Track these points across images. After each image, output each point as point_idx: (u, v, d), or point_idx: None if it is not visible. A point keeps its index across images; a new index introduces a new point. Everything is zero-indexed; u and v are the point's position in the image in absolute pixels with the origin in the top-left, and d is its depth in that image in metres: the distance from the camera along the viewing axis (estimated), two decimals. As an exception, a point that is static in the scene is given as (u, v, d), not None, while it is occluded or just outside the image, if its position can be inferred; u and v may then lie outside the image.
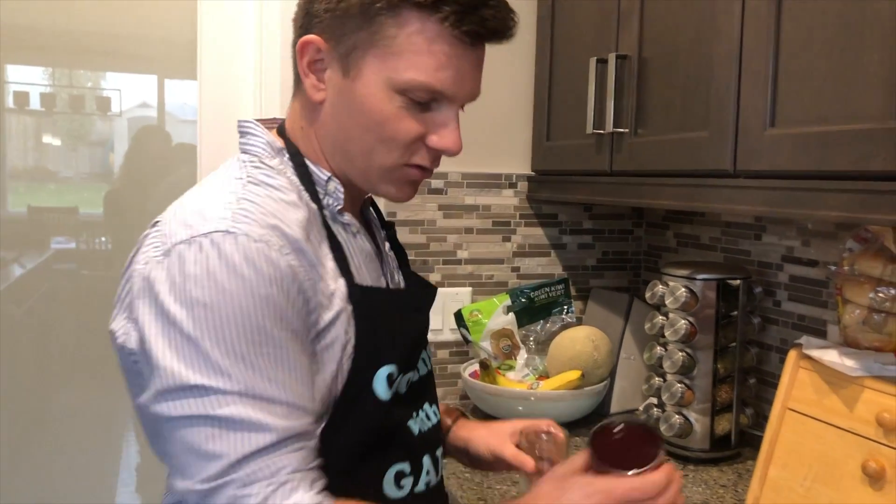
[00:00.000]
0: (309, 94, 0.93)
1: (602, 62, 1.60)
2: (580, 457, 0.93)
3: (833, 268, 1.35)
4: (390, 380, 0.91)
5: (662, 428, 1.59)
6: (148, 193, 1.87)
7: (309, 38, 0.90)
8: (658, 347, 1.64)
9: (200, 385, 0.78)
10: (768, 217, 1.70)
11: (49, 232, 1.81)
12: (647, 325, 1.65)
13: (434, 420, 1.03)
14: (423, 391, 1.03)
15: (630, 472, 0.89)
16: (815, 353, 1.31)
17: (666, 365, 1.59)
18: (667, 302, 1.58)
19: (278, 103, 1.79)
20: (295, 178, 0.92)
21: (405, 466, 0.96)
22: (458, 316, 1.89)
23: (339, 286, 0.88)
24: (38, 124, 1.79)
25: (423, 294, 1.06)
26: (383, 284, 1.00)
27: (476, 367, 1.84)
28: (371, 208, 1.10)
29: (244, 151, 0.95)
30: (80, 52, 1.80)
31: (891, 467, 1.15)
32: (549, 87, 1.91)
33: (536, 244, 2.06)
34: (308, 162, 0.94)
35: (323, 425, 0.87)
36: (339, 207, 0.95)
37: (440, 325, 1.92)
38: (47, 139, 1.81)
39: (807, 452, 1.29)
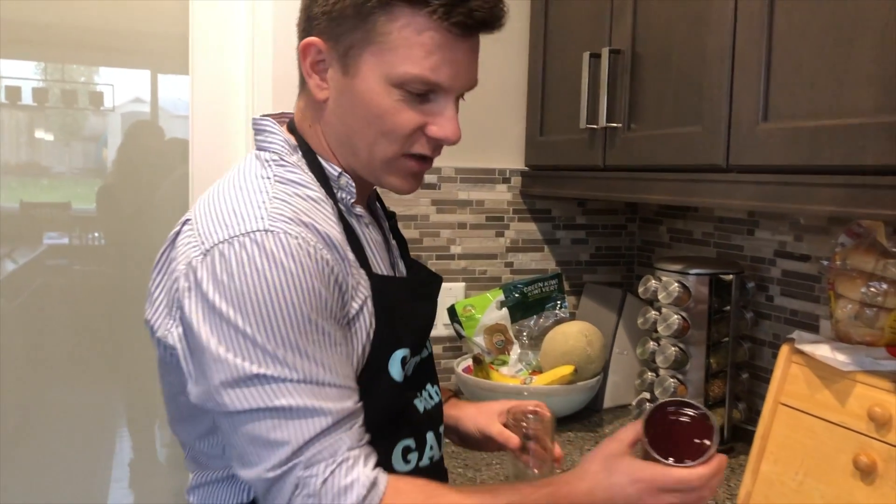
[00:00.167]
0: (313, 94, 0.97)
1: (595, 57, 1.60)
2: (630, 431, 0.95)
3: (825, 263, 1.35)
4: (403, 362, 0.97)
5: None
6: (141, 189, 1.86)
7: (310, 40, 0.95)
8: (651, 342, 1.65)
9: (260, 374, 0.83)
10: (761, 212, 1.70)
11: (42, 227, 1.80)
12: (639, 320, 1.65)
13: (436, 399, 1.09)
14: (426, 372, 1.08)
15: (679, 464, 0.90)
16: (807, 348, 1.31)
17: (659, 360, 1.60)
18: (660, 297, 1.58)
19: (270, 98, 1.78)
20: (312, 175, 0.97)
21: (411, 442, 1.01)
22: (452, 311, 1.89)
23: (361, 277, 0.93)
24: (31, 119, 1.78)
25: (431, 282, 1.12)
26: (394, 273, 1.06)
27: (469, 362, 1.84)
28: (377, 201, 1.15)
29: (262, 149, 0.99)
30: (72, 46, 1.79)
31: (882, 461, 1.15)
32: (543, 82, 1.91)
33: (530, 239, 2.06)
34: (319, 158, 0.99)
35: None
36: (352, 201, 0.99)
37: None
38: (40, 134, 1.80)
39: (799, 447, 1.29)
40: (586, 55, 1.62)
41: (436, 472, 1.06)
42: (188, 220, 0.94)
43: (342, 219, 0.96)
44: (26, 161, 1.78)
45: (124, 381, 1.87)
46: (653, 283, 1.61)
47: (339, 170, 0.99)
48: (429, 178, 1.92)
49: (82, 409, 1.83)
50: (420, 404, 1.04)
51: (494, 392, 1.73)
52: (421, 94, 0.92)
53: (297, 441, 0.84)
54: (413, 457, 1.01)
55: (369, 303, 0.93)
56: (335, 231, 0.91)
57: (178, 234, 0.95)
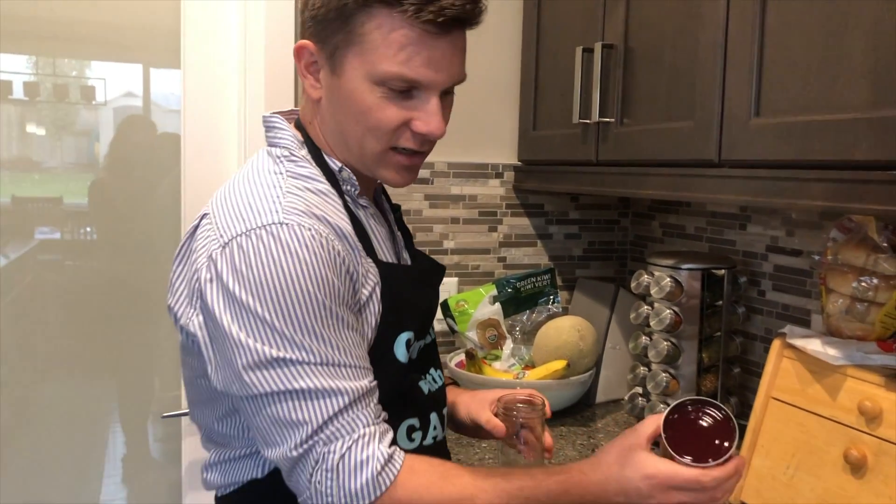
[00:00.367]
0: (308, 94, 1.03)
1: (588, 52, 1.60)
2: (650, 424, 0.96)
3: (817, 257, 1.35)
4: (408, 345, 1.03)
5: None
6: (133, 183, 1.85)
7: (302, 42, 1.00)
8: (643, 337, 1.65)
9: (280, 358, 0.88)
10: (753, 207, 1.71)
11: (33, 222, 1.80)
12: (632, 315, 1.66)
13: (440, 382, 1.14)
14: (430, 356, 1.14)
15: (694, 464, 0.90)
16: (798, 343, 1.32)
17: (651, 354, 1.60)
18: (652, 292, 1.59)
19: (263, 92, 1.78)
20: (318, 168, 1.02)
21: (415, 421, 1.06)
22: (445, 306, 1.89)
23: (370, 265, 0.99)
24: (22, 113, 1.77)
25: (434, 270, 1.18)
26: (399, 262, 1.11)
27: (462, 357, 1.85)
28: (382, 194, 1.20)
29: (273, 145, 1.04)
30: (64, 40, 1.78)
31: (872, 455, 1.16)
32: (536, 77, 1.91)
33: (522, 234, 2.06)
34: (324, 155, 1.04)
35: None
36: (356, 192, 1.04)
37: (427, 315, 1.92)
38: (31, 129, 1.79)
39: (790, 441, 1.30)
40: (579, 50, 1.62)
41: (439, 451, 1.10)
42: (206, 214, 0.99)
43: (349, 210, 1.00)
44: (18, 155, 1.77)
45: (117, 376, 1.87)
46: (645, 277, 1.62)
47: (340, 164, 1.03)
48: (421, 173, 1.91)
49: (75, 405, 1.83)
50: (424, 386, 1.09)
51: (487, 387, 1.73)
52: (403, 90, 0.96)
53: (317, 420, 0.89)
54: (417, 436, 1.07)
55: (378, 290, 0.99)
56: (345, 222, 0.97)
57: (196, 227, 1.00)
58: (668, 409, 0.96)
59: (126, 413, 1.91)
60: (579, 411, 1.83)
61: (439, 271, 1.18)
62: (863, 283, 1.26)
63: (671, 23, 1.39)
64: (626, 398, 1.71)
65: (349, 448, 0.89)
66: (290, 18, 1.77)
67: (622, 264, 2.18)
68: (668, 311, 1.57)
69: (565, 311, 2.04)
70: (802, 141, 1.09)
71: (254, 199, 0.94)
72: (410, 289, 1.05)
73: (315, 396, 0.89)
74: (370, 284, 0.98)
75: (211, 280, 0.92)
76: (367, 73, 0.95)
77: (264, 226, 0.90)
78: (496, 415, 1.17)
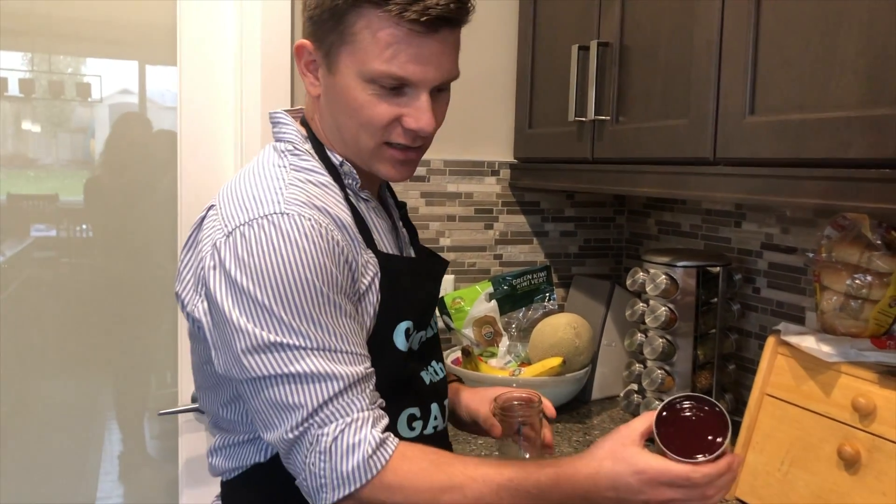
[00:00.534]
0: (308, 91, 1.06)
1: (584, 49, 1.60)
2: (644, 419, 0.96)
3: (811, 255, 1.36)
4: (407, 334, 1.06)
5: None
6: (129, 180, 1.85)
7: (301, 42, 1.04)
8: (639, 334, 1.66)
9: (277, 342, 0.91)
10: (748, 204, 1.71)
11: (29, 219, 1.79)
12: (627, 312, 1.66)
13: (441, 375, 1.17)
14: (431, 349, 1.17)
15: (684, 460, 0.90)
16: (792, 340, 1.33)
17: (646, 351, 1.61)
18: (647, 289, 1.59)
19: (259, 89, 1.77)
20: (321, 162, 1.06)
21: (416, 411, 1.09)
22: (441, 303, 1.89)
23: (370, 256, 1.02)
24: (18, 110, 1.77)
25: (435, 264, 1.20)
26: (400, 253, 1.14)
27: (458, 354, 1.85)
28: (387, 191, 1.23)
29: (279, 140, 1.08)
30: (60, 37, 1.78)
31: (865, 451, 1.16)
32: (532, 75, 1.91)
33: (519, 232, 2.06)
34: (326, 150, 1.07)
35: None
36: (358, 186, 1.07)
37: (423, 312, 1.93)
38: (27, 126, 1.79)
39: (784, 437, 1.31)
40: (575, 48, 1.62)
41: (440, 441, 1.13)
42: (213, 205, 1.03)
43: (350, 203, 1.03)
44: (13, 153, 1.76)
45: (113, 373, 1.87)
46: (641, 275, 1.62)
47: (341, 158, 1.06)
48: (418, 170, 1.91)
49: (71, 402, 1.83)
50: (426, 376, 1.12)
51: (483, 384, 1.73)
52: (394, 87, 0.99)
53: (312, 404, 0.91)
54: (418, 425, 1.09)
55: (377, 280, 1.02)
56: (345, 214, 1.00)
57: (203, 218, 1.03)
58: (661, 405, 0.96)
59: (122, 410, 1.91)
60: (575, 408, 1.83)
61: (441, 265, 1.21)
62: (857, 281, 1.27)
63: (666, 21, 1.39)
64: (622, 395, 1.72)
65: (342, 431, 0.91)
66: (287, 16, 1.77)
67: (618, 261, 2.18)
68: (663, 308, 1.57)
69: (561, 309, 2.04)
70: (797, 139, 1.09)
71: (257, 191, 0.98)
72: (410, 279, 1.07)
73: (311, 380, 0.91)
74: (369, 274, 1.01)
75: (214, 267, 0.96)
76: (359, 70, 0.98)
77: (266, 215, 0.94)
78: (494, 414, 1.18)
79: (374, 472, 0.91)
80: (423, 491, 0.92)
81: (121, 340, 1.85)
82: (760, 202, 1.20)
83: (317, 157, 1.05)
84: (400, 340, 1.05)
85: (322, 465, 0.91)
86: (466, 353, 1.80)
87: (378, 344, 1.02)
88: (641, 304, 1.63)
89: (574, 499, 0.93)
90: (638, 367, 1.66)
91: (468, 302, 1.91)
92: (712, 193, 1.28)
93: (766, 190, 1.16)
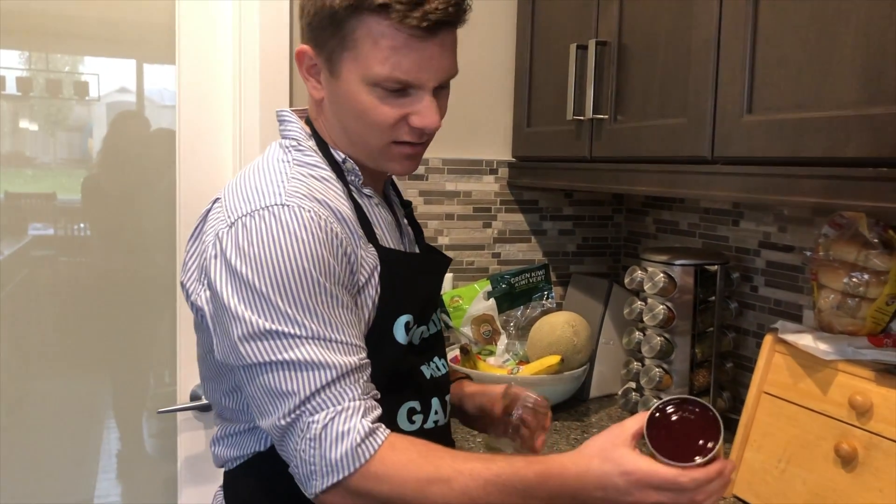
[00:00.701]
0: (311, 95, 1.09)
1: (582, 48, 1.60)
2: (637, 420, 0.95)
3: (809, 253, 1.36)
4: (407, 327, 1.07)
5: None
6: (126, 179, 1.85)
7: (302, 48, 1.06)
8: (637, 332, 1.66)
9: (273, 330, 0.93)
10: (746, 203, 1.72)
11: (26, 218, 1.79)
12: (625, 311, 1.67)
13: (443, 371, 1.19)
14: (434, 345, 1.18)
15: (673, 463, 0.89)
16: (790, 338, 1.33)
17: (644, 350, 1.61)
18: (645, 287, 1.60)
19: (258, 87, 1.78)
20: (325, 159, 1.08)
21: (416, 404, 1.11)
22: (440, 301, 1.90)
23: (369, 250, 1.04)
24: (15, 109, 1.76)
25: (436, 260, 1.23)
26: (403, 249, 1.16)
27: (457, 352, 1.85)
28: (392, 190, 1.25)
29: (285, 137, 1.11)
30: (57, 35, 1.78)
31: (862, 449, 1.17)
32: (530, 74, 1.91)
33: (517, 230, 2.06)
34: (329, 147, 1.09)
35: None
36: (360, 182, 1.10)
37: (421, 310, 1.93)
38: (24, 124, 1.78)
39: (781, 435, 1.31)
40: (573, 47, 1.62)
41: (440, 435, 1.14)
42: (218, 198, 1.06)
43: (352, 198, 1.06)
44: (10, 151, 1.76)
45: (111, 372, 1.87)
46: (639, 273, 1.62)
47: (343, 156, 1.09)
48: (417, 169, 1.92)
49: (69, 401, 1.83)
50: (427, 371, 1.14)
51: (481, 382, 1.74)
52: (397, 89, 1.01)
53: (305, 392, 0.93)
54: (418, 418, 1.11)
55: (376, 274, 1.03)
56: (346, 208, 1.02)
57: (209, 210, 1.07)
58: (654, 406, 0.95)
59: (120, 409, 1.91)
60: (573, 406, 1.84)
61: (443, 261, 1.23)
62: (854, 279, 1.27)
63: (665, 20, 1.39)
64: (620, 393, 1.72)
65: (332, 419, 0.93)
66: (285, 15, 1.77)
67: (616, 260, 2.19)
68: (661, 306, 1.58)
69: (559, 307, 2.04)
70: (794, 138, 1.09)
71: (260, 184, 1.00)
72: (411, 274, 1.09)
73: (304, 368, 0.93)
74: (369, 267, 1.03)
75: (216, 256, 0.98)
76: (362, 76, 1.00)
77: (267, 206, 0.96)
78: (503, 396, 1.21)
79: (362, 460, 0.92)
80: (411, 482, 0.93)
81: (119, 339, 1.85)
82: (758, 201, 1.20)
83: (320, 154, 1.08)
84: (400, 334, 1.07)
85: (312, 451, 0.93)
86: (465, 351, 1.80)
87: (378, 337, 1.04)
88: (639, 303, 1.63)
89: (562, 497, 0.93)
90: (636, 365, 1.67)
91: (466, 300, 1.91)
92: (710, 192, 1.28)
93: (764, 189, 1.16)
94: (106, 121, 1.83)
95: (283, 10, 1.77)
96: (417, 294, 1.11)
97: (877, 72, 0.98)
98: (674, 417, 0.94)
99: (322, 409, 0.93)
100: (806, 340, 1.30)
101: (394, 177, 1.27)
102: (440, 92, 1.06)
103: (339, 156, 1.09)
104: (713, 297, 1.61)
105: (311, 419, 0.93)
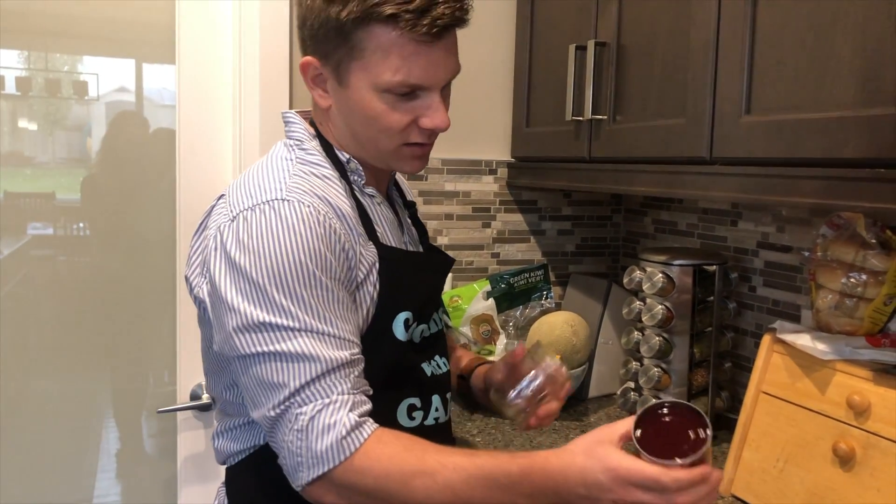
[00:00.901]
0: (318, 103, 1.10)
1: (581, 49, 1.61)
2: (627, 421, 0.95)
3: (807, 254, 1.37)
4: (406, 324, 1.09)
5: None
6: (125, 179, 1.85)
7: (306, 59, 1.07)
8: (635, 332, 1.66)
9: (266, 322, 0.95)
10: (744, 203, 1.72)
11: (25, 218, 1.79)
12: (624, 311, 1.67)
13: (444, 369, 1.20)
14: (435, 344, 1.19)
15: (656, 460, 0.88)
16: (788, 338, 1.33)
17: (643, 349, 1.61)
18: (644, 287, 1.60)
19: (257, 88, 1.78)
20: (328, 158, 1.10)
21: (416, 401, 1.13)
22: (438, 301, 1.90)
23: (369, 248, 1.05)
24: (14, 108, 1.76)
25: (437, 259, 1.24)
26: (405, 247, 1.17)
27: (456, 352, 1.85)
28: (396, 190, 1.27)
29: (289, 137, 1.13)
30: (56, 35, 1.78)
31: (860, 448, 1.17)
32: (529, 74, 1.91)
33: (516, 230, 2.07)
34: (333, 147, 1.12)
35: None
36: (363, 182, 1.12)
37: (420, 310, 1.93)
38: (23, 123, 1.78)
39: (780, 434, 1.31)
40: (572, 48, 1.62)
41: (441, 432, 1.16)
42: (223, 195, 1.09)
43: (354, 197, 1.08)
44: (9, 151, 1.76)
45: (111, 371, 1.87)
46: (637, 273, 1.63)
47: (348, 156, 1.11)
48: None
49: (68, 400, 1.83)
50: (427, 368, 1.15)
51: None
52: (407, 94, 1.03)
53: (295, 383, 0.94)
54: (418, 415, 1.13)
55: (374, 271, 1.05)
56: (346, 205, 1.04)
57: (213, 206, 1.10)
58: (645, 407, 0.95)
59: (120, 408, 1.91)
60: (572, 406, 1.84)
61: (445, 261, 1.24)
62: (852, 279, 1.28)
63: (663, 21, 1.40)
64: (619, 393, 1.72)
65: (319, 411, 0.94)
66: (285, 15, 1.78)
67: (615, 260, 2.19)
68: (659, 306, 1.58)
69: (558, 307, 2.05)
70: (792, 138, 1.10)
71: (263, 180, 1.03)
72: (411, 272, 1.11)
73: (295, 360, 0.95)
74: (367, 264, 1.04)
75: (216, 248, 1.01)
76: (371, 83, 1.02)
77: (268, 201, 0.98)
78: (530, 350, 1.21)
79: (347, 453, 0.93)
80: (395, 474, 0.94)
81: (118, 338, 1.86)
82: (756, 201, 1.20)
83: (322, 154, 1.10)
84: (399, 331, 1.08)
85: (298, 443, 0.94)
86: (464, 351, 1.80)
87: (378, 333, 1.06)
88: (638, 303, 1.64)
89: (544, 492, 0.93)
90: (635, 364, 1.67)
91: (466, 300, 1.91)
92: (709, 192, 1.28)
93: (762, 189, 1.16)
94: (105, 120, 1.83)
95: (283, 10, 1.77)
96: (417, 292, 1.12)
97: (875, 73, 0.98)
98: (664, 419, 0.94)
99: (310, 402, 0.94)
100: (804, 340, 1.30)
101: (399, 178, 1.30)
102: (444, 91, 1.08)
103: (343, 156, 1.11)
104: (712, 297, 1.62)
105: (299, 411, 0.94)
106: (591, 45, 1.57)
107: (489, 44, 1.97)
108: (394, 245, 1.13)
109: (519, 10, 1.95)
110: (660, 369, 1.60)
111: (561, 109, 1.68)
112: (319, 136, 1.12)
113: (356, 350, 1.00)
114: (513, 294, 1.94)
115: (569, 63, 1.63)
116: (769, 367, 1.37)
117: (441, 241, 1.99)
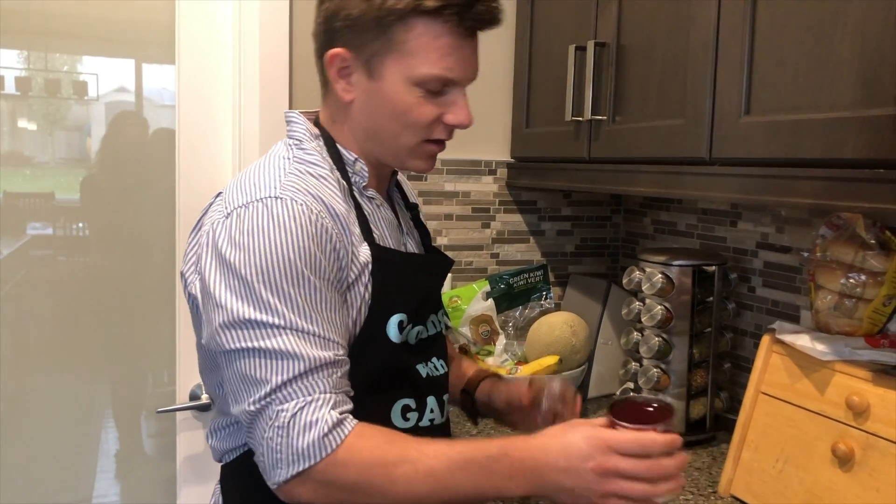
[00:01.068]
0: (340, 96, 1.09)
1: (581, 50, 1.61)
2: (602, 420, 0.97)
3: (806, 254, 1.37)
4: (401, 326, 1.09)
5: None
6: (125, 179, 1.85)
7: (335, 51, 1.07)
8: (635, 333, 1.66)
9: (252, 319, 0.95)
10: (743, 204, 1.72)
11: (25, 218, 1.79)
12: (624, 311, 1.67)
13: (441, 371, 1.19)
14: (432, 346, 1.19)
15: (633, 426, 0.92)
16: (787, 338, 1.33)
17: (642, 350, 1.61)
18: (643, 288, 1.60)
19: (258, 86, 1.78)
20: (328, 158, 1.10)
21: (411, 402, 1.13)
22: (438, 302, 1.90)
23: (363, 248, 1.05)
24: (14, 108, 1.76)
25: (435, 261, 1.24)
26: (403, 249, 1.17)
27: (455, 352, 1.85)
28: (397, 191, 1.28)
29: (290, 136, 1.14)
30: (56, 35, 1.78)
31: (859, 449, 1.17)
32: (529, 75, 1.91)
33: (515, 231, 2.07)
34: (339, 147, 1.12)
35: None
36: (364, 184, 1.12)
37: (420, 311, 1.93)
38: (23, 123, 1.78)
39: (779, 435, 1.31)
40: (572, 48, 1.63)
41: (437, 434, 1.14)
42: (221, 192, 1.09)
43: (353, 197, 1.09)
44: (9, 151, 1.76)
45: (110, 372, 1.87)
46: (637, 274, 1.63)
47: (356, 156, 1.12)
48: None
49: (67, 400, 1.83)
50: (423, 370, 1.15)
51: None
52: (437, 90, 1.06)
53: (276, 381, 0.95)
54: (413, 416, 1.13)
55: (367, 272, 1.05)
56: (340, 205, 1.04)
57: (211, 204, 1.10)
58: (613, 401, 1.01)
59: (119, 408, 1.91)
60: (571, 406, 1.84)
61: (443, 263, 1.24)
62: (851, 280, 1.28)
63: (663, 22, 1.40)
64: (618, 393, 1.72)
65: (301, 409, 0.94)
66: (285, 15, 1.78)
67: (614, 260, 2.19)
68: (659, 307, 1.58)
69: (558, 307, 2.05)
70: (792, 139, 1.10)
71: (259, 178, 1.04)
72: (406, 273, 1.11)
73: (278, 357, 0.95)
74: (360, 264, 1.04)
75: (208, 244, 1.01)
76: (407, 76, 1.04)
77: (262, 199, 0.99)
78: (529, 386, 1.23)
79: (329, 450, 0.94)
80: (376, 465, 0.94)
81: (118, 338, 1.85)
82: (756, 202, 1.20)
83: (324, 154, 1.10)
84: (393, 332, 1.08)
85: (279, 440, 0.94)
86: (464, 351, 1.81)
87: (371, 334, 1.06)
88: (638, 303, 1.64)
89: (523, 471, 0.94)
90: (634, 365, 1.67)
91: (465, 300, 1.91)
92: (708, 193, 1.28)
93: (762, 190, 1.16)
94: (105, 120, 1.83)
95: (283, 10, 1.77)
96: (413, 294, 1.12)
97: (874, 73, 0.98)
98: (634, 405, 1.00)
99: (292, 399, 0.95)
100: (803, 341, 1.30)
101: (402, 179, 1.31)
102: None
103: (351, 156, 1.12)
104: (711, 298, 1.62)
105: (280, 408, 0.94)
106: (590, 45, 1.57)
107: (489, 44, 1.95)
108: (392, 247, 1.13)
109: (519, 10, 1.95)
110: (659, 370, 1.60)
111: (560, 110, 1.68)
112: (326, 136, 1.12)
113: (341, 352, 1.00)
114: (512, 294, 1.94)
115: (568, 63, 1.63)
116: (768, 368, 1.37)
117: (440, 241, 1.99)
